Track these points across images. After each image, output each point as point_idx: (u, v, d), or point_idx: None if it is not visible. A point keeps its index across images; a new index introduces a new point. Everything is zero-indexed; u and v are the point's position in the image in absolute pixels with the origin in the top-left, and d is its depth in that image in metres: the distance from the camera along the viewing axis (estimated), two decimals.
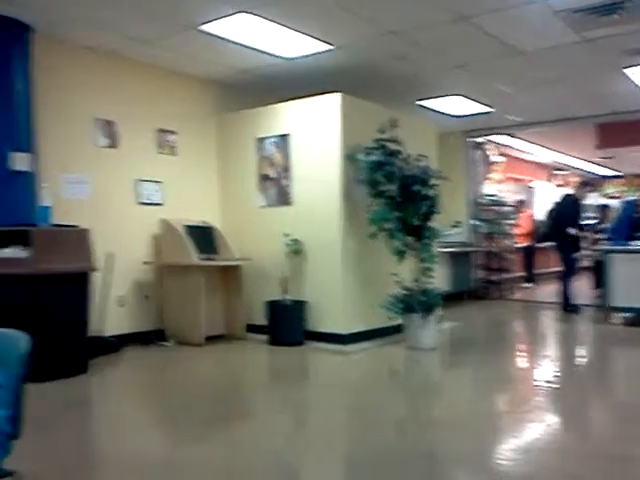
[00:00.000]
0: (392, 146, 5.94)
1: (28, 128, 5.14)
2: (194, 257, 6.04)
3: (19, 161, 5.00)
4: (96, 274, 5.22)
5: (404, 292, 5.86)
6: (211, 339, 6.18)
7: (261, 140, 6.70)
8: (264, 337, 6.27)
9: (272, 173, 6.61)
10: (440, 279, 6.87)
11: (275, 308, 6.20)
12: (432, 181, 6.01)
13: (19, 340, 1.84)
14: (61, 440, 3.37)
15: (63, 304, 4.74)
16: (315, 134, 6.23)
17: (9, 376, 1.77)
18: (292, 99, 6.45)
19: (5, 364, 1.78)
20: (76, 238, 4.95)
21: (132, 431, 3.69)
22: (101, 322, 5.67)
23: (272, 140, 6.60)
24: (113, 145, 6.10)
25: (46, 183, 5.20)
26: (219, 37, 5.57)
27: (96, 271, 5.16)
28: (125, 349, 5.84)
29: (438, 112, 8.74)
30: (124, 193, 6.20)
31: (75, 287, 4.87)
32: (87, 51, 5.83)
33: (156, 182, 6.47)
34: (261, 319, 6.36)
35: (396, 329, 6.05)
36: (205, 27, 5.33)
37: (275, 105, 6.62)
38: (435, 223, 6.16)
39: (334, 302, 6.07)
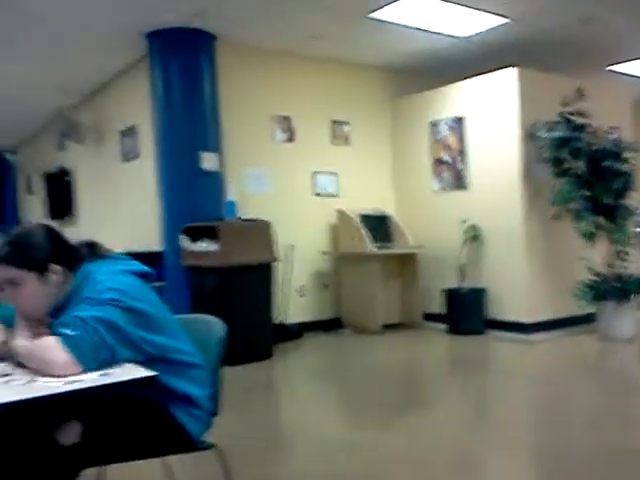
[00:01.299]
0: (578, 119, 5.55)
1: (215, 129, 5.63)
2: (370, 246, 6.18)
3: (208, 161, 5.49)
4: (278, 265, 5.57)
5: (595, 278, 5.47)
6: (388, 327, 6.30)
7: (434, 123, 6.64)
8: (442, 326, 6.24)
9: (446, 157, 6.52)
10: (638, 263, 6.29)
11: (453, 296, 6.13)
12: (626, 155, 5.53)
13: (217, 325, 2.06)
14: (252, 418, 3.70)
15: (249, 293, 5.13)
16: (491, 113, 6.02)
17: (209, 358, 1.99)
18: (465, 78, 6.30)
19: (205, 347, 2.00)
20: (259, 231, 5.32)
21: (315, 413, 3.90)
22: (283, 310, 6.05)
23: (446, 122, 6.51)
24: (290, 139, 6.44)
25: (231, 180, 5.66)
26: (389, 22, 5.60)
27: (278, 262, 5.51)
28: (306, 336, 6.16)
29: (634, 76, 7.96)
30: (302, 185, 6.52)
31: (260, 277, 5.24)
32: (264, 52, 6.20)
33: (331, 173, 6.72)
34: (438, 307, 6.34)
35: (587, 318, 5.67)
36: (375, 14, 5.40)
37: (448, 86, 6.51)
38: (631, 201, 5.66)
39: (516, 289, 5.85)
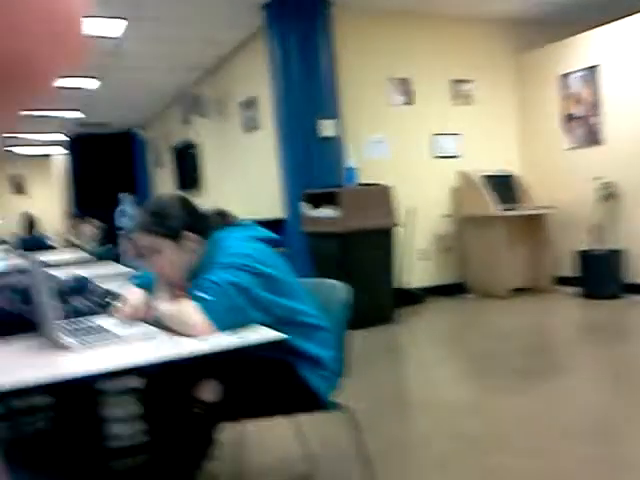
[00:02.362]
0: None
1: (333, 96, 5.66)
2: (494, 208, 5.99)
3: (327, 127, 5.55)
4: (399, 229, 5.56)
5: None
6: (515, 292, 6.11)
7: (564, 76, 6.24)
8: (574, 290, 5.95)
9: (578, 111, 6.13)
10: None
11: (586, 258, 5.81)
12: None
13: (341, 289, 2.11)
14: (377, 381, 3.77)
15: (370, 258, 5.18)
16: (630, 61, 5.56)
17: (334, 321, 2.05)
18: (599, 25, 5.84)
19: (330, 311, 2.07)
20: (379, 196, 5.33)
21: (440, 377, 3.91)
22: (405, 275, 6.04)
23: (578, 75, 6.10)
24: (408, 102, 6.34)
25: (350, 145, 5.68)
26: None
27: (399, 226, 5.50)
28: (428, 301, 6.13)
29: None
30: (421, 148, 6.42)
31: (380, 242, 5.27)
32: (380, 15, 6.11)
33: (452, 134, 6.55)
34: (570, 270, 6.04)
35: None
36: None
37: (578, 36, 6.08)
38: None
39: None
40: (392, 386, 3.80)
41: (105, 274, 3.07)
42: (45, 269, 1.72)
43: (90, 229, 8.69)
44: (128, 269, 3.69)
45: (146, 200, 12.00)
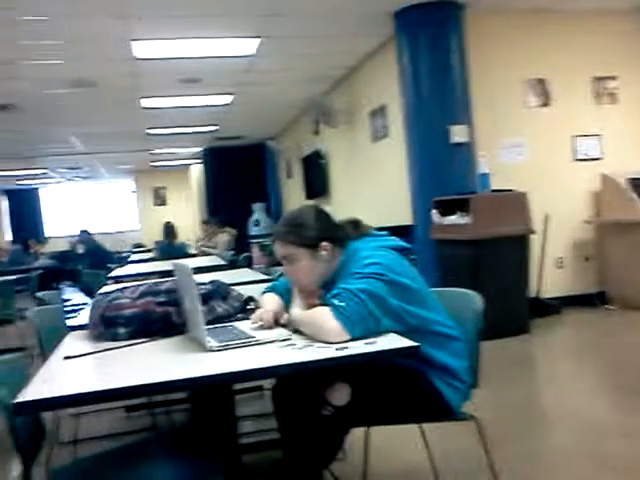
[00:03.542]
0: None
1: (465, 101, 5.58)
2: None
3: (458, 133, 5.48)
4: (534, 236, 5.36)
5: None
6: None
7: None
8: None
9: None
10: None
11: None
12: None
13: (474, 299, 2.10)
14: (509, 393, 3.66)
15: (502, 266, 5.03)
16: None
17: (467, 331, 2.04)
18: None
19: (462, 320, 2.06)
20: (513, 202, 5.17)
21: (576, 392, 3.71)
22: (539, 284, 5.80)
23: None
24: (545, 103, 6.10)
25: (482, 151, 5.57)
26: None
27: (533, 233, 5.30)
28: (565, 311, 5.84)
29: None
30: (559, 151, 6.15)
31: (513, 250, 5.10)
32: (514, 15, 5.93)
33: (594, 135, 6.21)
34: None
35: None
36: None
37: None
38: None
39: None
40: (524, 399, 3.68)
41: (241, 280, 3.25)
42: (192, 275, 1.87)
43: (225, 237, 9.18)
44: (263, 276, 3.87)
45: (277, 210, 12.47)
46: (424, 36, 5.59)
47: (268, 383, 3.54)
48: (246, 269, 5.12)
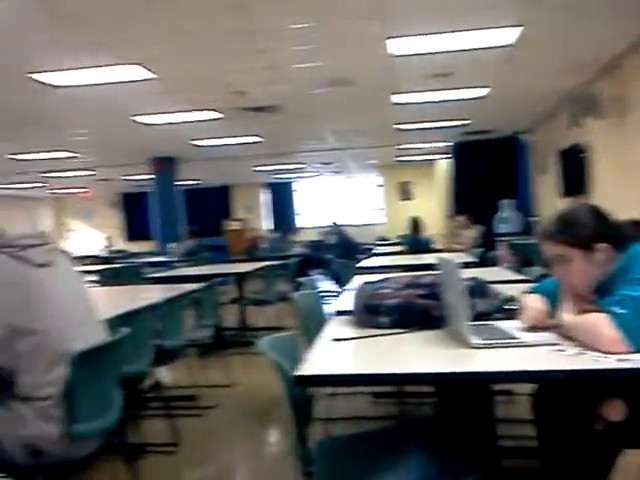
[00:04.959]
0: None
1: None
2: None
3: None
4: None
5: None
6: None
7: None
8: None
9: None
10: None
11: None
12: None
13: None
14: None
15: None
16: None
17: None
18: None
19: None
20: None
21: None
22: None
23: None
24: None
25: None
26: None
27: None
28: None
29: None
30: None
31: None
32: None
33: None
34: None
35: None
36: None
37: None
38: None
39: None
40: None
41: (497, 279, 3.19)
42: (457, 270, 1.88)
43: (472, 233, 9.07)
44: (519, 276, 3.75)
45: (526, 207, 11.95)
46: None
47: (518, 387, 3.44)
48: (495, 267, 4.99)
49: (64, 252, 2.34)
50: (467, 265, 4.94)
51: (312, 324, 2.53)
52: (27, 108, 7.71)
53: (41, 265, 2.07)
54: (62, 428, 1.99)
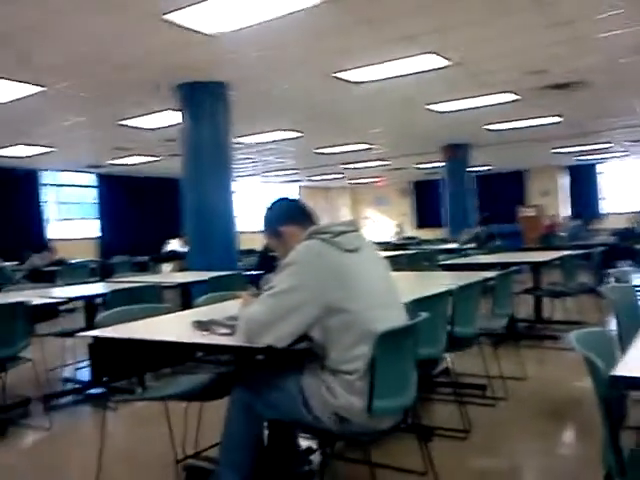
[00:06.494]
0: None
1: None
2: None
3: None
4: None
5: None
6: None
7: None
8: None
9: None
10: None
11: None
12: None
13: None
14: None
15: None
16: None
17: None
18: None
19: None
20: None
21: None
22: None
23: None
24: None
25: None
26: None
27: None
28: None
29: None
30: None
31: None
32: None
33: None
34: None
35: None
36: None
37: None
38: None
39: None
40: None
41: None
42: None
43: None
44: None
45: None
46: None
47: None
48: None
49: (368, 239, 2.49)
50: None
51: (628, 320, 2.29)
52: (331, 105, 8.40)
53: (351, 250, 2.25)
54: (364, 401, 2.13)
